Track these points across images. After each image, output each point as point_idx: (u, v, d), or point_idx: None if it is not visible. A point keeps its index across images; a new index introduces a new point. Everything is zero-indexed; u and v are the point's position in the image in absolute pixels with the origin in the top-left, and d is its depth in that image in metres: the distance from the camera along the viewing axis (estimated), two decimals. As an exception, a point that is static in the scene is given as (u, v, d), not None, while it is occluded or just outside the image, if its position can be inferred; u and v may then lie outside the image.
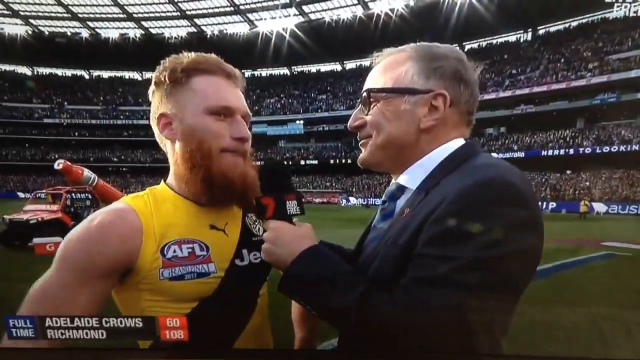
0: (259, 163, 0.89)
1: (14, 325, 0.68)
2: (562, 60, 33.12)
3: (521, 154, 31.81)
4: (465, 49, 39.02)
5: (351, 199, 35.90)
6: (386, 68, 0.82)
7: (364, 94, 0.82)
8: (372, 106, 0.81)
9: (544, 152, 31.24)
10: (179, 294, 0.79)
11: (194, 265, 0.80)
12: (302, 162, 41.39)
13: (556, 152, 30.74)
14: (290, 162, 39.27)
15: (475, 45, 40.10)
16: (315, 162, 41.56)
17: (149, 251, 0.78)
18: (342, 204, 34.90)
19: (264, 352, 0.91)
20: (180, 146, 0.84)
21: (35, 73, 47.71)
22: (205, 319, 0.79)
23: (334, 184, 39.73)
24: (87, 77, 49.51)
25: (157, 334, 0.69)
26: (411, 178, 0.79)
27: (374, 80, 0.83)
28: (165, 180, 0.91)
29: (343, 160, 39.41)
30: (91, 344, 0.69)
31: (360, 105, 0.84)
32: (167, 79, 0.83)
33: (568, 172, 30.21)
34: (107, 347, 0.70)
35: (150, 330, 0.69)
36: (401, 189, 0.82)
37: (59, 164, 8.84)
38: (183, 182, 0.85)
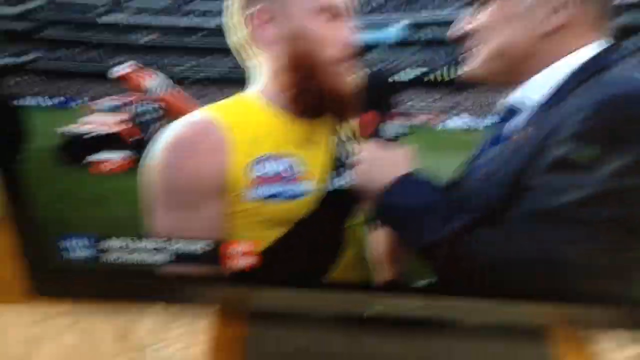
0: (360, 74, 0.77)
1: (70, 246, 0.66)
2: None
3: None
4: None
5: (456, 119, 31.88)
6: None
7: None
8: (483, 7, 0.66)
9: None
10: (268, 216, 0.70)
11: (288, 183, 0.69)
12: (401, 75, 36.46)
13: None
14: (389, 76, 34.69)
15: None
16: (418, 73, 36.62)
17: (237, 167, 0.67)
18: (446, 125, 31.06)
19: (357, 285, 0.80)
20: (281, 51, 0.70)
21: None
22: (295, 245, 0.72)
23: (437, 102, 35.37)
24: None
25: (228, 261, 0.66)
26: (530, 93, 0.64)
27: None
28: (255, 88, 0.75)
29: (448, 74, 34.36)
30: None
31: (468, 8, 0.69)
32: None
33: None
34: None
35: (217, 256, 0.66)
36: (517, 106, 0.66)
37: (117, 70, 5.76)
38: (281, 92, 0.72)
